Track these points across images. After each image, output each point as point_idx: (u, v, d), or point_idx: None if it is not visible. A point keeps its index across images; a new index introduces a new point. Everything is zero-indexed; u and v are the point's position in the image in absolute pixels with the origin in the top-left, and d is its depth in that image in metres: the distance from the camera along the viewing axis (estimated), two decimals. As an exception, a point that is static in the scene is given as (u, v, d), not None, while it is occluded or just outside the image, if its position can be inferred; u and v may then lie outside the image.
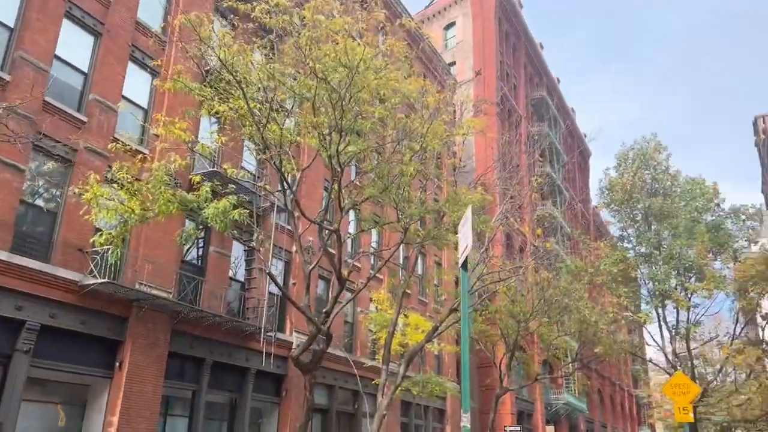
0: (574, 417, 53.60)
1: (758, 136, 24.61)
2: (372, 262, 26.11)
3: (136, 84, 18.22)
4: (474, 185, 19.37)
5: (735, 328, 18.90)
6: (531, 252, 25.78)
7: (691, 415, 18.04)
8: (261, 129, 13.23)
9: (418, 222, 25.68)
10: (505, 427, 34.40)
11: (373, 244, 28.71)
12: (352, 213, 24.26)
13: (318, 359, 15.75)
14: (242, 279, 21.09)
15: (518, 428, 34.67)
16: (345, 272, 15.71)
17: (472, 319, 22.07)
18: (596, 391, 63.69)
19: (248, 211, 12.76)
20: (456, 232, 27.75)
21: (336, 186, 13.96)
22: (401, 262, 26.09)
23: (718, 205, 19.69)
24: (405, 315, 26.10)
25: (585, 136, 65.09)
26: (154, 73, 18.31)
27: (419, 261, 34.00)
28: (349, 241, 27.11)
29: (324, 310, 16.13)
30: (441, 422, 33.52)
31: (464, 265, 4.93)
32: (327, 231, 15.64)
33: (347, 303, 17.64)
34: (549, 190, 49.23)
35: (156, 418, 16.62)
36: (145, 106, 18.50)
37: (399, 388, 23.14)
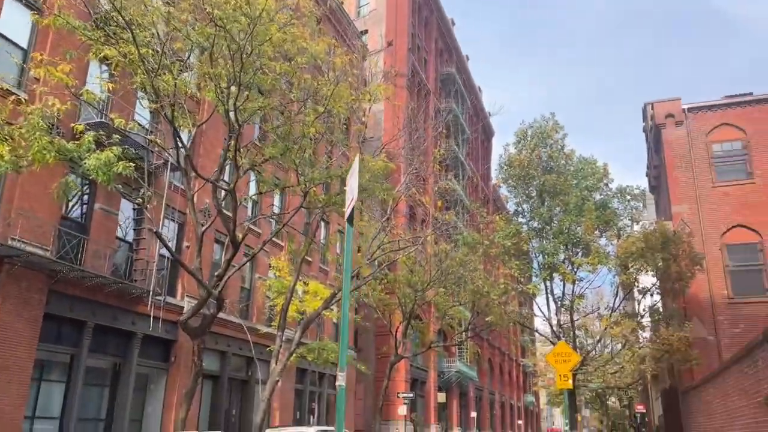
0: (465, 384, 55.82)
1: (646, 122, 26.15)
2: (274, 227, 25.49)
3: (15, 20, 16.50)
4: (378, 152, 19.21)
5: (614, 301, 20.13)
6: (431, 224, 26.13)
7: (571, 382, 19.11)
8: (152, 77, 12.32)
9: (323, 188, 25.34)
10: (398, 393, 35.17)
11: (276, 210, 28.09)
12: (253, 175, 23.53)
13: (207, 324, 15.19)
14: (131, 239, 19.96)
15: (411, 395, 35.57)
16: (239, 235, 15.14)
17: (351, 279, 22.19)
18: (486, 360, 66.61)
19: (134, 165, 11.88)
20: (361, 202, 27.62)
21: (233, 143, 13.32)
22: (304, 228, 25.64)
23: (606, 185, 20.75)
24: (305, 282, 25.83)
25: (489, 114, 66.77)
26: (34, 8, 16.65)
27: (322, 228, 33.74)
28: (250, 205, 26.37)
29: (216, 274, 15.54)
30: (335, 388, 33.80)
31: (350, 219, 4.71)
32: (222, 191, 14.98)
33: (240, 267, 17.11)
34: (452, 164, 50.18)
35: (28, 383, 15.49)
36: (25, 46, 16.83)
37: (294, 355, 22.97)
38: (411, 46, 46.78)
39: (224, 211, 15.03)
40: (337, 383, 4.68)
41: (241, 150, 14.60)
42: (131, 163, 11.77)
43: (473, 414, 53.28)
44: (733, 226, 21.71)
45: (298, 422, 27.69)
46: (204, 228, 15.08)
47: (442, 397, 49.08)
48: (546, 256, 19.15)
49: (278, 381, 19.74)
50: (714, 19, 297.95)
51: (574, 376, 20.54)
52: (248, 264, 27.35)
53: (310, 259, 31.56)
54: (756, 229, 21.46)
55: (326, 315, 29.12)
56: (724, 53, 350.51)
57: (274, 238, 27.73)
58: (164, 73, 13.03)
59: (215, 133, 23.32)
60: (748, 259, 21.34)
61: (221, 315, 23.44)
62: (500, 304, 23.63)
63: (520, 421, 76.39)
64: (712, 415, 14.39)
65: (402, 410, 33.52)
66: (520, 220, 21.58)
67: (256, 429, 19.16)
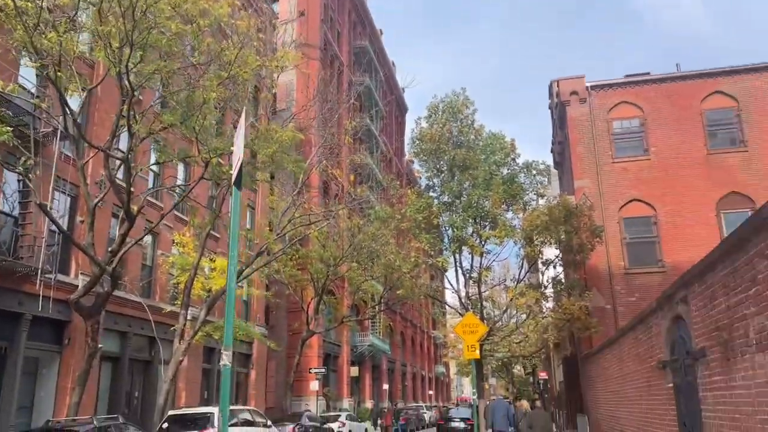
0: (378, 358, 56.46)
1: (552, 100, 26.87)
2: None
3: None
4: (287, 122, 18.58)
5: (520, 273, 20.69)
6: (344, 198, 25.84)
7: (478, 352, 19.53)
8: (32, 34, 11.15)
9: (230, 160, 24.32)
10: (310, 369, 34.96)
11: (179, 182, 26.81)
12: (153, 145, 22.23)
13: (101, 303, 14.24)
14: (17, 213, 18.37)
15: (323, 370, 35.46)
16: (134, 208, 14.20)
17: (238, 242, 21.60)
18: (399, 334, 67.68)
19: (11, 129, 10.76)
20: (272, 176, 26.84)
21: (126, 107, 12.36)
22: (209, 202, 24.65)
23: (513, 159, 21.18)
24: (211, 259, 24.93)
25: (403, 90, 66.85)
26: None
27: (230, 202, 32.63)
28: (151, 177, 24.98)
29: (110, 249, 14.54)
30: (246, 367, 33.13)
31: (237, 181, 4.30)
32: (116, 162, 13.95)
33: (137, 242, 16.14)
34: (366, 138, 49.91)
35: None
36: None
37: (199, 334, 22.16)
38: (324, 18, 45.80)
39: (117, 181, 14.02)
40: (221, 363, 4.30)
41: (137, 116, 13.60)
42: (10, 128, 10.67)
43: (385, 386, 53.99)
44: (630, 201, 22.77)
45: (206, 402, 26.92)
46: (96, 201, 14.03)
47: (354, 371, 49.40)
48: (455, 230, 19.34)
49: (182, 360, 19.00)
50: (621, 6, 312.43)
51: (481, 346, 21.02)
52: (150, 240, 26.08)
53: (217, 235, 30.51)
54: (650, 203, 22.62)
55: (238, 292, 28.32)
56: (630, 37, 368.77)
57: (178, 213, 26.55)
58: (48, 31, 11.85)
59: (111, 100, 21.80)
60: (643, 231, 22.51)
61: (120, 294, 22.23)
62: (411, 277, 23.77)
63: (431, 392, 78.47)
64: (609, 380, 15.09)
65: (314, 386, 33.37)
66: (432, 194, 21.67)
67: (159, 411, 18.38)
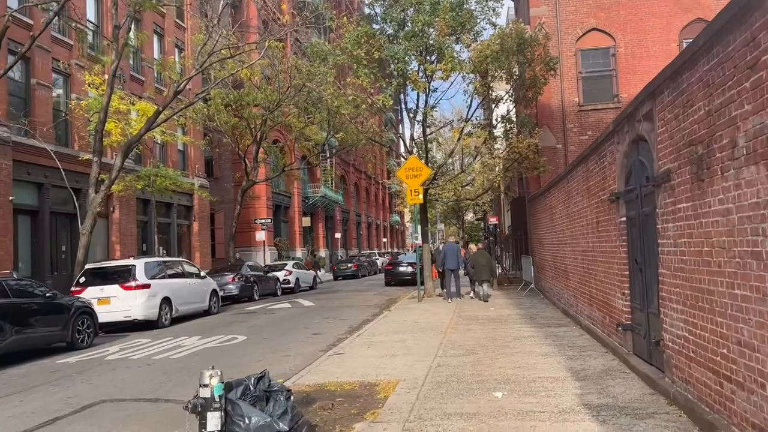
0: (331, 208, 56.09)
1: None
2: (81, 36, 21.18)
3: None
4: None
5: (468, 112, 19.11)
6: (276, 31, 23.02)
7: (421, 196, 18.46)
8: None
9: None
10: (255, 219, 33.99)
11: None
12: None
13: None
14: None
15: (269, 220, 34.56)
16: None
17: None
18: (353, 184, 67.14)
19: None
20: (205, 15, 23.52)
21: None
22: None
23: (464, -18, 18.67)
24: (132, 103, 22.46)
25: None
26: None
27: (156, 43, 29.38)
28: None
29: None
30: (188, 219, 31.86)
31: None
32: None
33: (9, 69, 13.70)
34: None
35: None
36: None
37: (120, 184, 20.40)
38: None
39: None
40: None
41: None
42: None
43: (337, 235, 54.13)
44: (589, 30, 20.89)
45: (144, 255, 25.76)
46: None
47: (306, 221, 49.02)
48: (397, 62, 17.31)
49: (98, 211, 17.38)
50: None
51: (426, 191, 19.95)
52: (62, 83, 23.30)
53: (141, 77, 27.67)
54: (610, 32, 20.79)
55: (168, 140, 26.22)
56: None
57: (93, 53, 23.53)
58: None
59: None
60: (601, 64, 20.90)
61: (33, 142, 19.98)
62: (354, 121, 21.99)
63: (385, 239, 79.99)
64: (555, 219, 14.25)
65: (260, 236, 32.55)
66: (374, 26, 19.25)
67: (79, 265, 17.08)
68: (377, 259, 49.47)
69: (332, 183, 54.02)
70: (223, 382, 5.00)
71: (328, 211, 55.81)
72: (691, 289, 5.18)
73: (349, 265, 40.45)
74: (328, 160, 52.65)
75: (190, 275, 18.02)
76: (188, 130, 30.85)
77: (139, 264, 15.76)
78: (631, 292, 7.70)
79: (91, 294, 14.93)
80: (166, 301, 16.08)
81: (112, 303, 15.08)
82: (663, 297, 6.04)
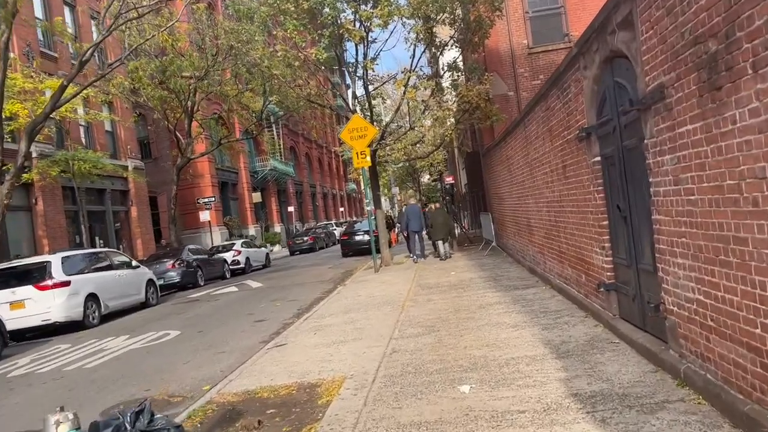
0: (283, 181, 54.12)
1: None
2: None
3: None
4: None
5: (411, 63, 17.56)
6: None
7: (369, 159, 16.97)
8: None
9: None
10: (197, 199, 32.00)
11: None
12: None
13: None
14: None
15: (212, 198, 32.58)
16: None
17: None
18: (304, 155, 65.04)
19: None
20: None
21: None
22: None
23: None
24: (41, 81, 20.15)
25: None
26: None
27: (68, 13, 26.68)
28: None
29: None
30: (125, 204, 29.64)
31: None
32: None
33: None
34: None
35: None
36: None
37: (29, 172, 18.32)
38: None
39: None
40: None
41: None
42: None
43: (291, 208, 52.33)
44: (534, -35, 19.48)
45: (78, 247, 23.64)
46: None
47: (257, 197, 47.06)
48: (329, 9, 15.57)
49: (7, 203, 15.37)
50: None
51: (374, 153, 18.48)
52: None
53: (54, 54, 25.12)
54: (556, -34, 19.43)
55: (93, 120, 23.99)
56: None
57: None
58: None
59: None
60: (548, 1, 19.53)
61: None
62: (293, 84, 20.20)
63: (342, 209, 78.48)
64: (514, 170, 13.01)
65: (205, 216, 30.63)
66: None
67: (-10, 266, 15.10)
68: (334, 229, 47.98)
69: (281, 155, 51.91)
70: (78, 427, 3.54)
71: (279, 185, 53.81)
72: (706, 238, 3.90)
73: (305, 238, 38.84)
74: (274, 130, 50.49)
75: (119, 266, 16.24)
76: (115, 109, 28.47)
77: (55, 259, 13.92)
78: (612, 245, 6.45)
79: (0, 298, 13.10)
80: (92, 297, 14.33)
81: (27, 306, 13.27)
82: (661, 250, 4.78)
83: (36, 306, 13.26)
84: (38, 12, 24.88)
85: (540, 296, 9.43)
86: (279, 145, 50.24)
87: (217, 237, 34.14)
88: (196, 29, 23.62)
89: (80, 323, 13.83)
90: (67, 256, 14.52)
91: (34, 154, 22.18)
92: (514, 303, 9.12)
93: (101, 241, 27.13)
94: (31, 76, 19.93)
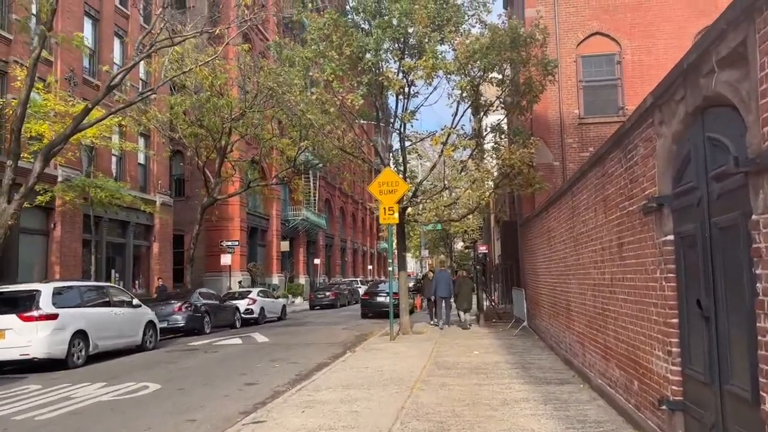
0: (314, 233, 53.28)
1: None
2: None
3: None
4: None
5: (453, 120, 16.54)
6: (237, 20, 20.40)
7: (397, 215, 15.76)
8: None
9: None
10: (221, 242, 31.12)
11: None
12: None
13: None
14: None
15: (236, 242, 31.68)
16: None
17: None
18: (338, 209, 64.39)
19: None
20: None
21: None
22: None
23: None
24: (72, 104, 19.80)
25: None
26: None
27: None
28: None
29: None
30: (148, 239, 28.92)
31: None
32: None
33: None
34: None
35: None
36: None
37: (46, 195, 17.65)
38: None
39: None
40: None
41: None
42: None
43: (317, 261, 51.19)
44: (592, 35, 18.51)
45: (87, 277, 22.75)
46: None
47: (285, 245, 46.09)
48: (371, 55, 14.74)
49: (11, 224, 14.56)
50: None
51: (404, 210, 17.29)
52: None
53: (98, 82, 25.03)
54: (615, 37, 18.41)
55: (116, 147, 23.54)
56: None
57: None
58: None
59: None
60: (604, 73, 18.48)
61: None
62: (329, 134, 19.41)
63: (370, 266, 77.13)
64: (555, 244, 11.59)
65: (226, 260, 29.66)
66: (347, 18, 16.75)
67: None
68: (359, 287, 46.48)
69: (314, 205, 51.20)
70: None
71: (310, 236, 52.94)
72: None
73: (327, 293, 37.37)
74: (311, 180, 49.92)
75: (118, 304, 15.13)
76: (151, 143, 28.20)
77: (46, 289, 12.87)
78: (683, 351, 4.97)
79: (-20, 325, 12.06)
80: (81, 335, 13.17)
81: (6, 337, 12.18)
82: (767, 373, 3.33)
83: (16, 338, 12.15)
84: (89, 41, 25.04)
85: (577, 397, 7.84)
86: (314, 196, 49.55)
87: (237, 282, 33.05)
88: (238, 66, 23.25)
89: (63, 362, 12.64)
90: (60, 287, 13.48)
91: (60, 178, 21.76)
92: (545, 403, 7.56)
93: (117, 274, 26.29)
94: (66, 100, 19.62)
